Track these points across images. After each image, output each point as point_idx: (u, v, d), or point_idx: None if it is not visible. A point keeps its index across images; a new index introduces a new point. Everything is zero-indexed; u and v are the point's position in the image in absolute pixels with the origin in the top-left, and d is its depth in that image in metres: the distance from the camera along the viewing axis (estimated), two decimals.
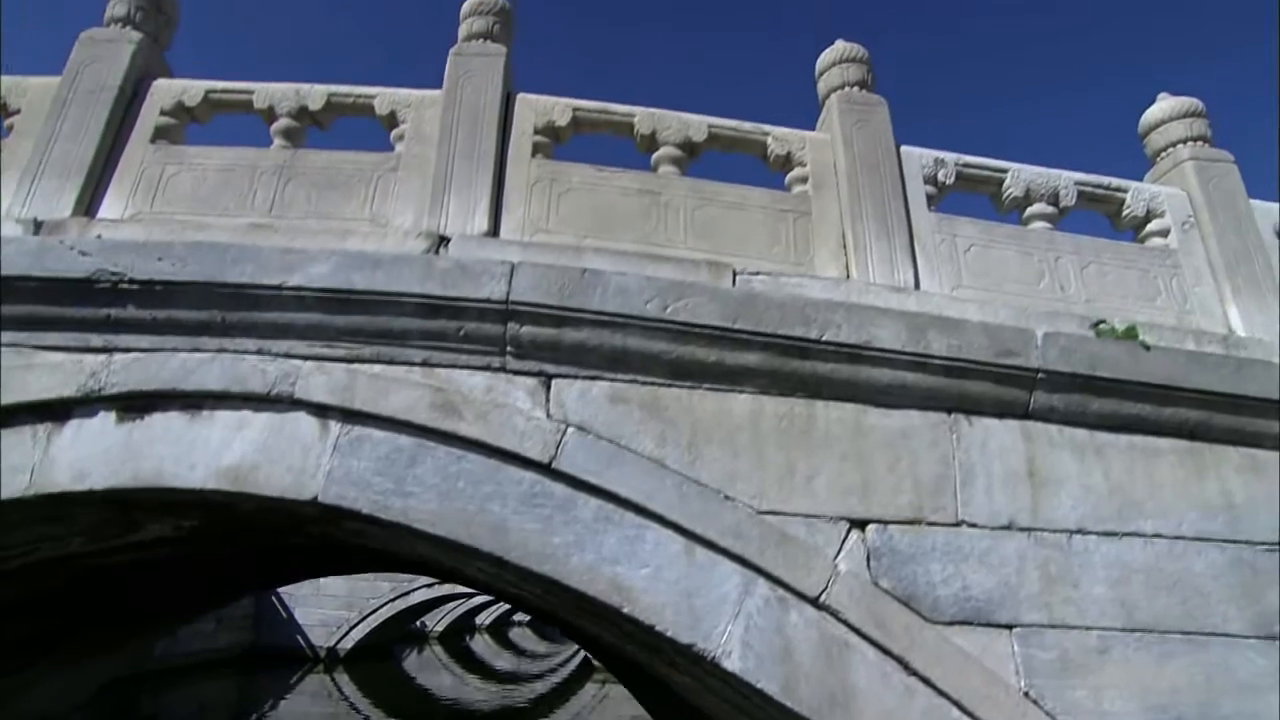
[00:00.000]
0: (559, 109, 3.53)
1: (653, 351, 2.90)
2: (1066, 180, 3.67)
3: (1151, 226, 3.68)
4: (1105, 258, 3.52)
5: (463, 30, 3.72)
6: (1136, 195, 3.69)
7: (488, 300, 2.85)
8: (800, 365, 2.94)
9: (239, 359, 2.88)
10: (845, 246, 3.33)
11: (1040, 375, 2.99)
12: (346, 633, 18.34)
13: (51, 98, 3.39)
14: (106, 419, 2.83)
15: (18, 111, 3.45)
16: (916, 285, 3.26)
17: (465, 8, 3.76)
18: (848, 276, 3.26)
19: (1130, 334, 3.20)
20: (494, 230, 3.23)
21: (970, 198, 3.90)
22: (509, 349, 2.91)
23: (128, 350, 2.90)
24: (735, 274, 3.16)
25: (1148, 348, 3.09)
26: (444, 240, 3.17)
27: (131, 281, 2.84)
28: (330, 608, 17.73)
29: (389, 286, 2.86)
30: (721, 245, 3.30)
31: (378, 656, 20.00)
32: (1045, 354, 2.99)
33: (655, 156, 3.53)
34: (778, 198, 3.46)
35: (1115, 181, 3.74)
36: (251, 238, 3.07)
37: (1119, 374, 3.01)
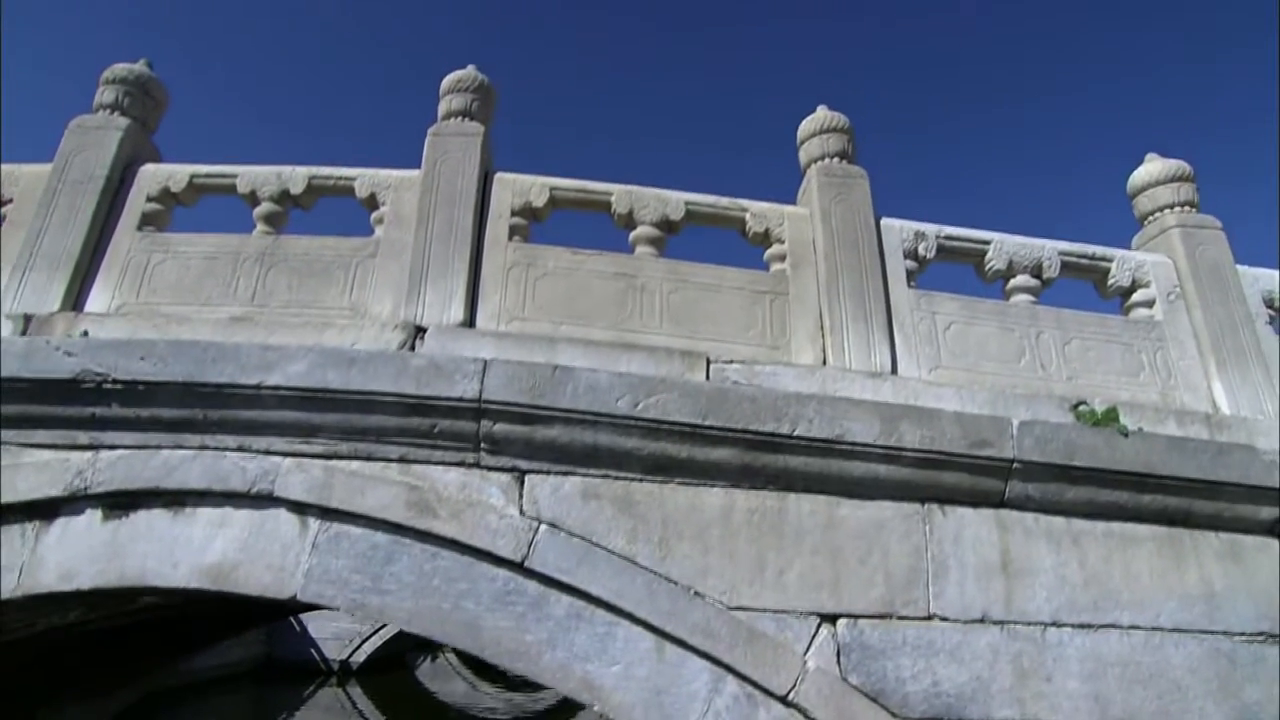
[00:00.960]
0: (536, 189, 3.57)
1: (624, 448, 2.94)
2: (1050, 251, 3.65)
3: (1137, 296, 3.66)
4: (1088, 332, 3.50)
5: (442, 107, 3.78)
6: (1121, 265, 3.67)
7: (461, 399, 2.90)
8: (772, 459, 2.96)
9: (220, 456, 2.96)
10: (822, 328, 3.34)
11: (1015, 465, 2.99)
12: (359, 645, 18.61)
13: (43, 188, 3.49)
14: (92, 517, 2.92)
15: (10, 201, 3.55)
16: (894, 369, 3.27)
17: (444, 84, 3.81)
18: (824, 361, 3.28)
19: (1110, 417, 3.19)
20: (470, 319, 3.29)
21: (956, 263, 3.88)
22: (483, 445, 2.97)
23: (113, 447, 2.99)
24: (709, 363, 3.19)
25: (1126, 434, 3.08)
26: (420, 331, 3.23)
27: (115, 381, 2.93)
28: (344, 621, 17.99)
29: (364, 385, 2.92)
30: (697, 330, 3.33)
31: (391, 666, 20.27)
32: (1020, 444, 2.99)
33: (633, 236, 3.57)
34: (754, 278, 3.48)
35: (1099, 251, 3.72)
36: (232, 332, 3.16)
37: (1096, 463, 3.01)
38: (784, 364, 3.22)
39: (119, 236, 3.47)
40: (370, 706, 16.18)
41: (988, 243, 3.65)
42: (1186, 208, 3.80)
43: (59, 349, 2.97)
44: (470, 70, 3.84)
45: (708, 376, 3.17)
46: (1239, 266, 3.74)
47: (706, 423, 2.91)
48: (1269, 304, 3.68)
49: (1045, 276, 3.64)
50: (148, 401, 2.97)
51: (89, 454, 2.98)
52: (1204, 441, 3.12)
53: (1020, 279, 3.61)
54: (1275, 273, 3.75)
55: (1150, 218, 3.92)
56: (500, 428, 2.94)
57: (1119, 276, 3.66)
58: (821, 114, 3.82)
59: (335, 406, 2.96)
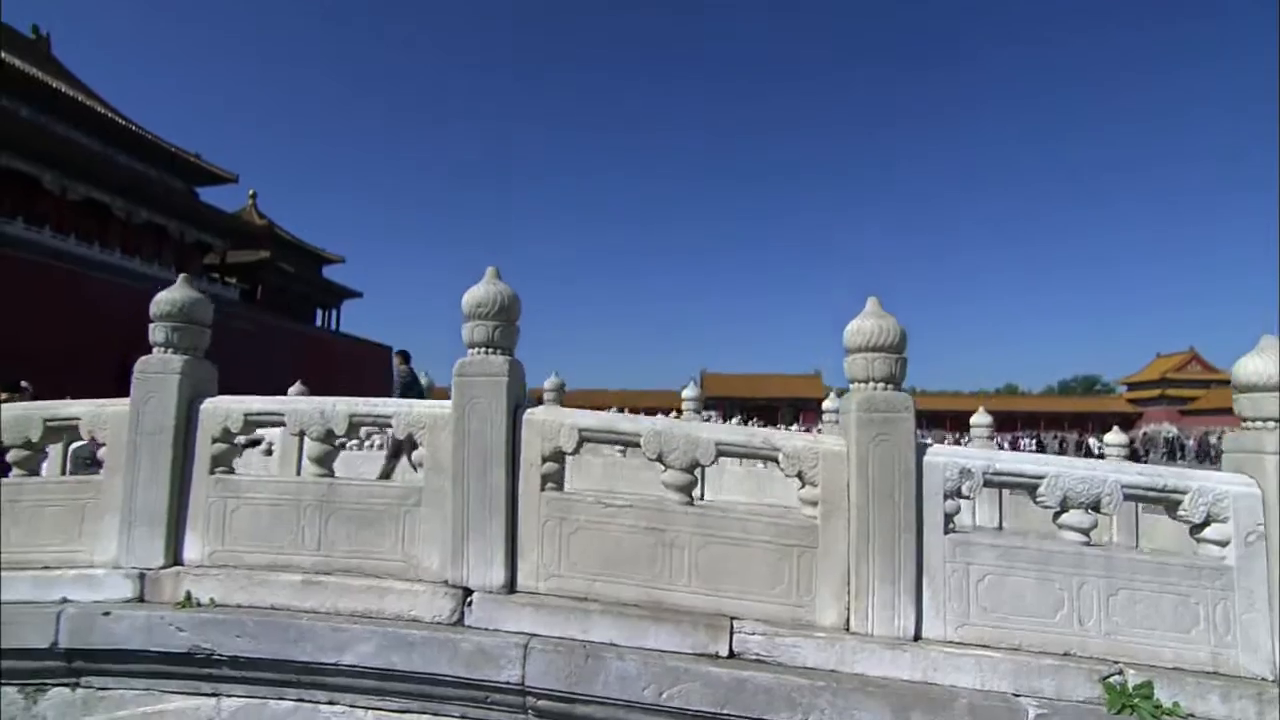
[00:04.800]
0: (565, 431, 3.78)
1: None
2: (1112, 485, 3.56)
3: (1209, 533, 3.56)
4: (1140, 580, 3.51)
5: (465, 333, 3.92)
6: (1196, 499, 3.53)
7: (507, 683, 3.45)
8: None
9: (315, 710, 3.75)
10: (848, 588, 3.56)
11: None
12: None
13: (125, 433, 4.03)
14: None
15: (104, 444, 4.11)
16: (917, 632, 3.49)
17: (465, 305, 3.91)
18: (846, 624, 3.53)
19: (1143, 694, 3.34)
20: (510, 580, 3.75)
21: None
22: (530, 711, 3.54)
23: (231, 696, 3.79)
24: (733, 632, 3.52)
25: None
26: (468, 593, 3.70)
27: (220, 656, 3.64)
28: None
29: (423, 668, 3.54)
30: (723, 587, 3.63)
31: None
32: None
33: (663, 478, 3.77)
34: (783, 530, 3.65)
35: (1171, 482, 3.57)
36: (306, 595, 3.80)
37: None
38: (805, 633, 3.50)
39: (196, 484, 4.04)
40: None
41: (1041, 477, 3.57)
42: None
43: (172, 625, 3.70)
44: (488, 287, 3.89)
45: (730, 647, 3.54)
46: None
47: (725, 711, 3.33)
48: None
49: (1104, 510, 3.55)
50: (249, 668, 3.72)
51: (214, 700, 3.79)
52: None
53: (1074, 515, 3.58)
54: None
55: (1250, 424, 3.62)
56: (544, 704, 3.53)
57: (1191, 511, 3.54)
58: (870, 325, 3.66)
59: (402, 679, 3.61)
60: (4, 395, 9.39)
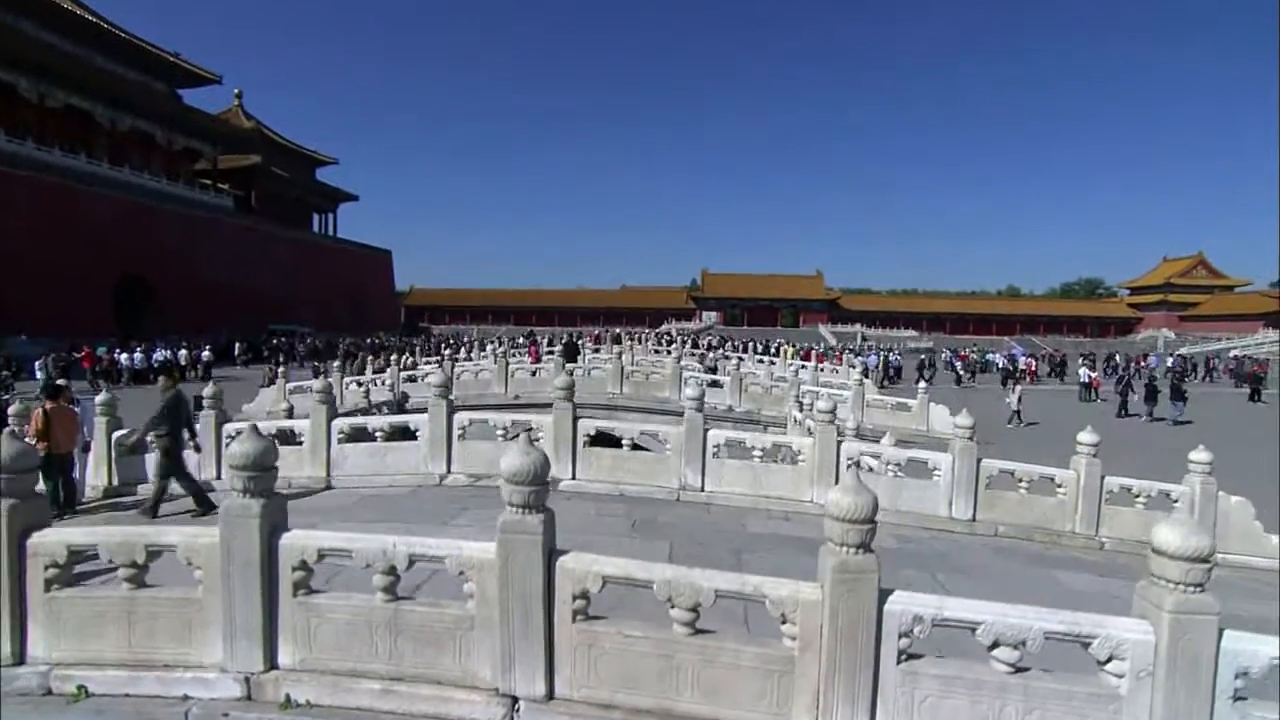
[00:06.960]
0: (591, 577, 4.62)
1: None
2: (1037, 631, 4.42)
3: (1110, 667, 4.45)
4: (1051, 704, 4.45)
5: (504, 493, 4.66)
6: (1104, 643, 4.40)
7: None
8: None
9: None
10: (817, 705, 4.50)
11: None
12: None
13: (218, 563, 4.84)
14: None
15: (200, 568, 4.93)
16: None
17: (504, 473, 4.60)
18: None
19: None
20: (550, 690, 4.69)
21: None
22: None
23: None
24: None
25: None
26: (516, 701, 4.66)
27: None
28: None
29: None
30: (720, 700, 4.59)
31: None
32: None
33: (672, 613, 4.61)
34: (768, 658, 4.56)
35: (1086, 630, 4.43)
36: (384, 701, 4.73)
37: None
38: None
39: (282, 604, 4.91)
40: None
41: (980, 622, 4.41)
42: (1192, 589, 4.27)
43: None
44: (523, 459, 4.58)
45: None
46: (1227, 633, 4.31)
47: None
48: (1242, 674, 4.33)
49: (1029, 649, 4.43)
50: None
51: None
52: None
53: (1003, 652, 4.45)
54: (1258, 648, 4.31)
55: (1154, 579, 4.41)
56: None
57: (1098, 651, 4.42)
58: (847, 501, 4.39)
59: None
60: (49, 404, 10.14)
